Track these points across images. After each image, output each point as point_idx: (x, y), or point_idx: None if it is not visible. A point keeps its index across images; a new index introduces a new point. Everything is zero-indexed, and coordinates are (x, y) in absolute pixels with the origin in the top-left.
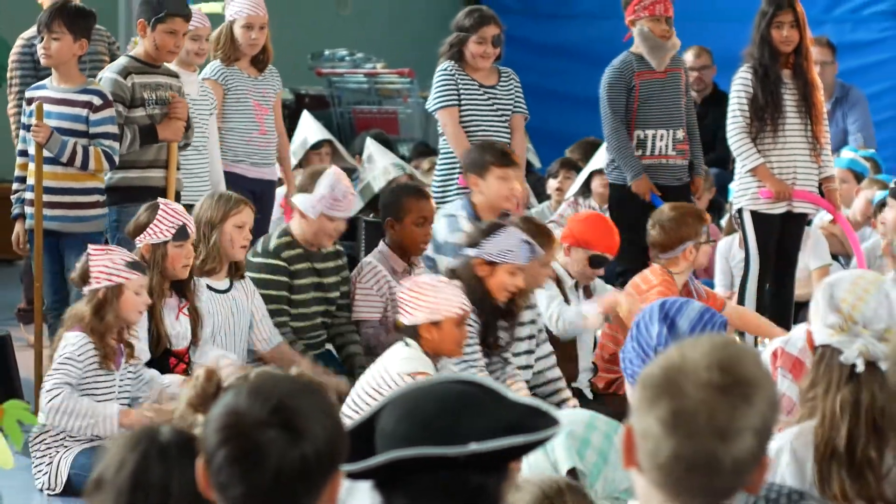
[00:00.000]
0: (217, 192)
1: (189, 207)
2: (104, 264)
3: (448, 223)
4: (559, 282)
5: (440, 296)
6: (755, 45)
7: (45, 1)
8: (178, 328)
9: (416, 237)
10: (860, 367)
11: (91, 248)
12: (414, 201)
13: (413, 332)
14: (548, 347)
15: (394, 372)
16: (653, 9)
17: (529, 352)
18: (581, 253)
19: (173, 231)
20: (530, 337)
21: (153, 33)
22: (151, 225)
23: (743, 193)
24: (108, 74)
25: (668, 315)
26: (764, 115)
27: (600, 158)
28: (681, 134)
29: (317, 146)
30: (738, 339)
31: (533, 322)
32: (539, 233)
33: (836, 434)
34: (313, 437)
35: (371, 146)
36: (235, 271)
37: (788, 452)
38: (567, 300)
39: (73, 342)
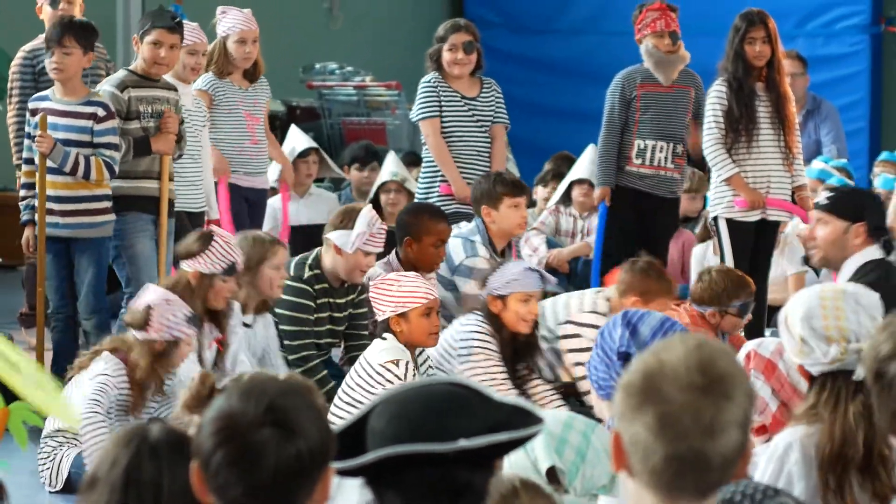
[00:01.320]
0: (251, 235)
1: (189, 215)
2: (167, 317)
3: (464, 246)
4: None
5: (403, 288)
6: (729, 60)
7: (45, 14)
8: (208, 356)
9: (432, 258)
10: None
11: (153, 293)
12: (434, 224)
13: (386, 326)
14: None
15: (374, 363)
16: (654, 25)
17: None
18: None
19: (225, 266)
20: None
21: (143, 46)
22: (204, 254)
23: (719, 202)
24: (105, 87)
25: (631, 322)
26: (738, 127)
27: (580, 168)
28: (680, 149)
29: (304, 154)
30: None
31: None
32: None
33: (852, 447)
34: (306, 434)
35: (391, 161)
36: (262, 307)
37: (798, 451)
38: None
39: (113, 367)
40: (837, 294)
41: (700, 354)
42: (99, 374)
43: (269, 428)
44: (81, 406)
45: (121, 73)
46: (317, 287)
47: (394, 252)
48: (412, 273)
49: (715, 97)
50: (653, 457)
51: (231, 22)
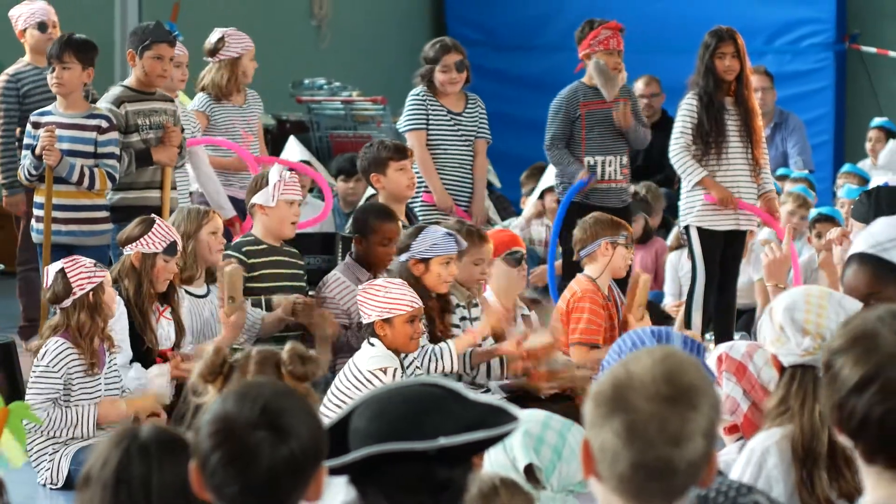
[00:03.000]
0: (185, 208)
1: None
2: (79, 272)
3: None
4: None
5: (389, 295)
6: (700, 75)
7: (31, 38)
8: (160, 330)
9: (380, 256)
10: None
11: (54, 266)
12: (379, 222)
13: (371, 330)
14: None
15: (364, 369)
16: (607, 42)
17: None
18: (500, 263)
19: (165, 245)
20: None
21: (141, 61)
22: (145, 237)
23: (689, 211)
24: (102, 104)
25: (661, 338)
26: (709, 140)
27: (550, 177)
28: (625, 159)
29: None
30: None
31: (463, 318)
32: (470, 233)
33: (818, 442)
34: (298, 434)
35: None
36: (210, 276)
37: (776, 455)
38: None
39: (53, 349)
40: (824, 294)
41: (667, 366)
42: (38, 366)
43: (264, 430)
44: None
45: (116, 90)
46: (255, 249)
47: (348, 255)
48: (399, 280)
49: (685, 110)
50: (620, 464)
51: (241, 42)
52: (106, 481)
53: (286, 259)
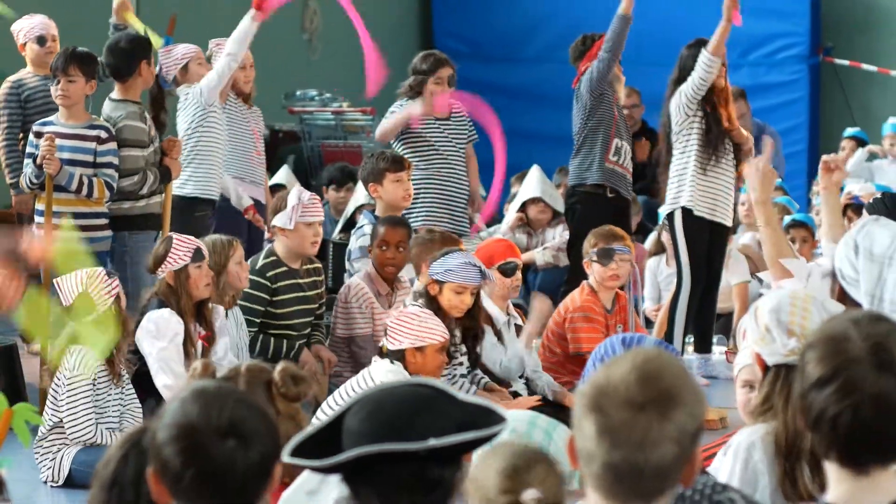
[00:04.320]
0: (210, 241)
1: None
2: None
3: (354, 235)
4: (492, 322)
5: (424, 325)
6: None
7: (31, 52)
8: (194, 352)
9: (378, 259)
10: None
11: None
12: (379, 227)
13: (400, 355)
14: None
15: (378, 381)
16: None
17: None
18: (495, 273)
19: (190, 254)
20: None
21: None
22: (169, 254)
23: (676, 197)
24: (129, 123)
25: (630, 344)
26: (716, 143)
27: (530, 187)
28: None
29: (283, 187)
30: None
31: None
32: (446, 241)
33: (801, 438)
34: (262, 439)
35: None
36: (231, 301)
37: (761, 449)
38: (501, 339)
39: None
40: (808, 298)
41: (643, 371)
42: (67, 369)
43: (233, 439)
44: (65, 409)
45: (133, 107)
46: (275, 273)
47: (370, 265)
48: (429, 311)
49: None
50: (593, 462)
51: None
52: (104, 481)
53: (304, 281)
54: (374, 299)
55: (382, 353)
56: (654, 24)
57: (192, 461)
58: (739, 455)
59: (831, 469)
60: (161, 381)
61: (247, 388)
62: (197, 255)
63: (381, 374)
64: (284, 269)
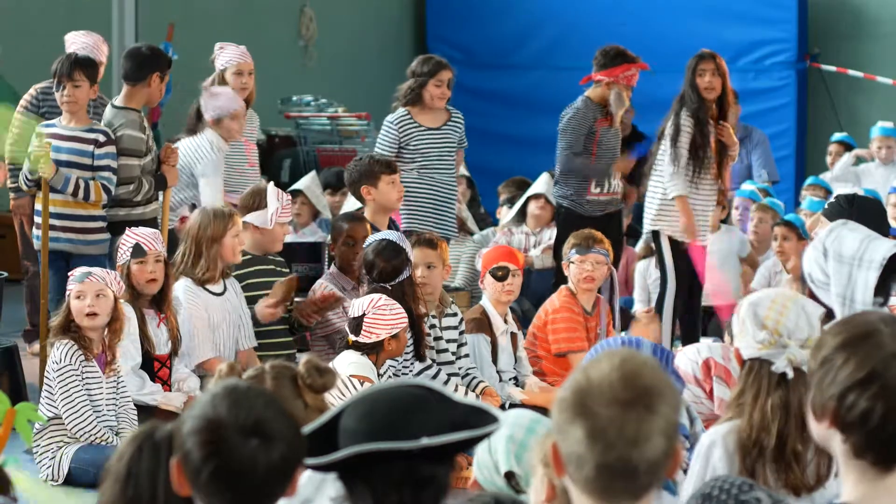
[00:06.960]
0: (209, 209)
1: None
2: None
3: None
4: (490, 327)
5: (395, 311)
6: (688, 94)
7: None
8: (158, 336)
9: (343, 255)
10: (790, 374)
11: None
12: (342, 224)
13: (377, 344)
14: (466, 348)
15: (344, 375)
16: (630, 79)
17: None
18: (489, 278)
19: (130, 251)
20: (456, 339)
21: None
22: (118, 252)
23: (661, 218)
24: (128, 133)
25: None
26: (700, 154)
27: (538, 186)
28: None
29: (292, 194)
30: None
31: (456, 327)
32: (427, 244)
33: (766, 434)
34: (285, 438)
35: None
36: (224, 273)
37: (721, 447)
38: (495, 345)
39: (62, 350)
40: (789, 297)
41: (624, 370)
42: (54, 362)
43: (256, 438)
44: (61, 403)
45: (134, 115)
46: (248, 270)
47: (332, 264)
48: (390, 298)
49: (685, 127)
50: (585, 466)
51: (229, 56)
52: (118, 474)
53: (271, 268)
54: (339, 294)
55: (349, 345)
56: (642, 32)
57: (213, 456)
58: (701, 454)
59: (853, 469)
60: (135, 386)
61: (273, 384)
62: (136, 250)
63: (344, 365)
64: (248, 256)
